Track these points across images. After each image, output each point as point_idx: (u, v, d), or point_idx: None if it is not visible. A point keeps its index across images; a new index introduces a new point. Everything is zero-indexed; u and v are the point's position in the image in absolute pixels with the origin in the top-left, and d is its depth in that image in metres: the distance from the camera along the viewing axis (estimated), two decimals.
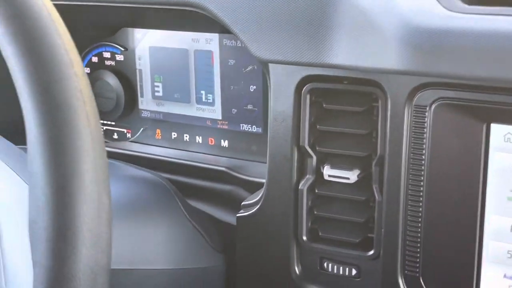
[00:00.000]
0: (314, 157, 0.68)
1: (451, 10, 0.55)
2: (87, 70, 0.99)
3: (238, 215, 0.74)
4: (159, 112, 0.96)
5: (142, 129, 0.98)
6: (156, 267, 0.67)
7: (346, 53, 0.62)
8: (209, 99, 0.91)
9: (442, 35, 0.55)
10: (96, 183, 0.45)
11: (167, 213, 0.70)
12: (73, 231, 0.43)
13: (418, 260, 0.63)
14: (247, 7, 0.68)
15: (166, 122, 0.95)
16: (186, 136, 0.94)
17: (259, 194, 0.73)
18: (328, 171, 0.67)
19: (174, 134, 0.95)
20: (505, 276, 0.61)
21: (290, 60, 0.66)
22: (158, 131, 0.97)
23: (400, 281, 0.64)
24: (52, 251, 0.43)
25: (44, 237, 0.43)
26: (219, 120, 0.91)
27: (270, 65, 0.68)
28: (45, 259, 0.43)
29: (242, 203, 0.75)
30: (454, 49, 0.55)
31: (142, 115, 0.97)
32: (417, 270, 0.63)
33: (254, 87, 0.87)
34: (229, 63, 0.88)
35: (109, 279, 0.47)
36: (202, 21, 0.79)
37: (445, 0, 0.56)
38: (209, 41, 0.89)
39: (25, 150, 0.46)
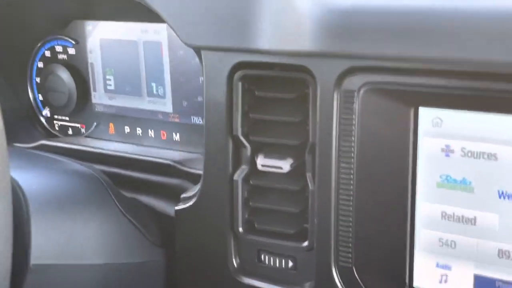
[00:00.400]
0: (248, 147, 0.67)
1: None
2: (40, 64, 0.98)
3: (176, 208, 0.72)
4: (112, 106, 0.94)
5: (95, 124, 0.96)
6: (86, 261, 0.65)
7: (270, 37, 0.60)
8: (160, 92, 0.89)
9: (358, 14, 0.53)
10: None
11: (98, 206, 0.68)
12: None
13: (350, 250, 0.61)
14: None
15: (119, 116, 0.94)
16: (139, 130, 0.93)
17: (198, 186, 0.71)
18: (261, 161, 0.65)
19: (127, 129, 0.94)
20: (437, 264, 0.59)
21: (219, 45, 0.64)
22: (111, 125, 0.95)
23: (334, 272, 0.63)
24: None
25: None
26: (170, 113, 0.89)
27: (203, 52, 0.67)
28: None
29: (182, 195, 0.73)
30: (369, 29, 0.53)
31: (96, 109, 0.96)
32: (350, 260, 0.61)
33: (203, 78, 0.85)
34: (178, 54, 0.86)
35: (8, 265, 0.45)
36: (151, 12, 0.77)
37: None
38: (158, 32, 0.87)
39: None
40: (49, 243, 0.62)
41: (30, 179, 0.65)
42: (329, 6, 0.55)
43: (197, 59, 0.84)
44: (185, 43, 0.66)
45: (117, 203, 0.70)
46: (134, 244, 0.70)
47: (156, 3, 0.67)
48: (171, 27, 0.67)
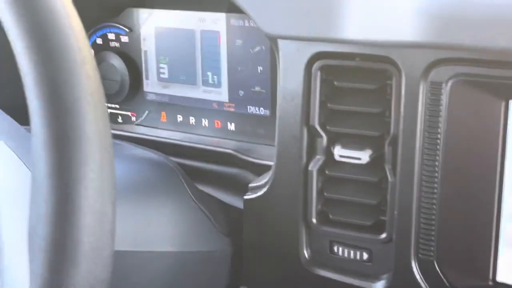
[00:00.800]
0: (325, 137, 0.66)
1: None
2: (92, 51, 0.97)
3: (245, 197, 0.72)
4: (165, 95, 0.93)
5: (147, 112, 0.96)
6: (160, 249, 0.65)
7: (357, 27, 0.60)
8: (216, 81, 0.89)
9: (457, 5, 0.53)
10: (101, 193, 0.42)
11: (172, 195, 0.68)
12: (73, 243, 0.41)
13: (432, 243, 0.61)
14: None
15: (172, 105, 0.93)
16: (192, 119, 0.92)
17: (267, 176, 0.71)
18: (339, 151, 0.65)
19: (180, 117, 0.93)
20: None
21: (299, 35, 0.64)
22: (163, 114, 0.95)
23: (414, 265, 0.62)
24: (50, 263, 0.41)
25: (43, 247, 0.41)
26: (225, 102, 0.89)
27: (279, 41, 0.66)
28: (42, 270, 0.41)
29: (250, 185, 0.73)
30: (469, 19, 0.53)
31: (147, 97, 0.95)
32: (432, 253, 0.61)
33: (262, 68, 0.84)
34: (236, 44, 0.86)
35: None
36: (209, 0, 0.77)
37: None
38: (216, 21, 0.86)
39: (29, 130, 0.44)
40: (126, 230, 0.62)
41: None
42: None
43: (255, 50, 0.84)
44: (265, 32, 0.66)
45: (189, 191, 0.69)
46: (204, 232, 0.70)
47: None
48: (249, 15, 0.66)
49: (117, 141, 0.77)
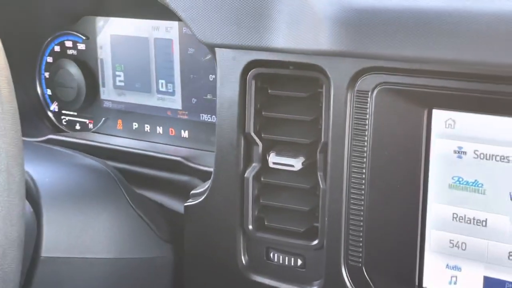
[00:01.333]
0: (260, 145, 0.67)
1: None
2: (50, 59, 0.98)
3: (185, 204, 0.73)
4: (121, 102, 0.94)
5: (103, 119, 0.96)
6: (95, 256, 0.66)
7: (286, 36, 0.60)
8: (170, 89, 0.89)
9: (374, 14, 0.54)
10: (5, 154, 0.43)
11: (109, 201, 0.68)
12: None
13: (361, 250, 0.62)
14: None
15: (128, 112, 0.94)
16: (147, 127, 0.93)
17: (208, 183, 0.72)
18: (273, 159, 0.66)
19: (135, 125, 0.94)
20: (447, 266, 0.59)
21: (234, 43, 0.65)
22: (119, 121, 0.96)
23: (344, 271, 0.63)
24: None
25: None
26: (179, 110, 0.90)
27: (217, 50, 0.67)
28: None
29: (191, 192, 0.74)
30: (385, 29, 0.54)
31: (104, 105, 0.96)
32: (360, 260, 0.62)
33: (214, 76, 0.85)
34: (189, 52, 0.87)
35: (21, 254, 0.46)
36: (163, 9, 0.77)
37: None
38: (169, 29, 0.87)
39: None
40: (60, 236, 0.63)
41: (42, 172, 0.65)
42: (345, 6, 0.56)
43: (207, 57, 0.85)
44: (200, 41, 0.66)
45: (127, 198, 0.70)
46: (143, 239, 0.70)
47: (173, 2, 0.67)
48: (186, 24, 0.67)
49: (56, 147, 0.78)
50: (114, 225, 0.67)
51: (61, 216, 0.63)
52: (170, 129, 0.91)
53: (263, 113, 0.66)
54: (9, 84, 0.45)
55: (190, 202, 0.72)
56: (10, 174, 0.44)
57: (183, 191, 0.83)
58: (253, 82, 0.66)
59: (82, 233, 0.65)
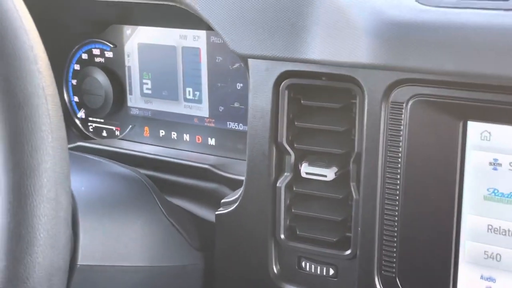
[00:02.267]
0: (292, 154, 0.67)
1: (423, 4, 0.54)
2: (77, 67, 0.99)
3: (217, 212, 0.73)
4: (148, 110, 0.95)
5: (130, 126, 0.97)
6: (130, 264, 0.66)
7: (322, 48, 0.61)
8: (197, 97, 0.90)
9: (413, 29, 0.54)
10: (54, 183, 0.44)
11: (143, 209, 0.69)
12: (28, 231, 0.42)
13: (394, 260, 0.62)
14: (226, 4, 0.67)
15: (154, 120, 0.95)
16: (174, 134, 0.94)
17: (239, 192, 0.72)
18: (305, 169, 0.66)
19: (162, 132, 0.95)
20: (481, 277, 0.59)
21: (268, 55, 0.65)
22: (146, 128, 0.96)
23: (377, 282, 0.63)
24: (6, 251, 0.42)
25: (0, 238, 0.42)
26: (206, 118, 0.90)
27: (250, 60, 0.67)
28: (0, 260, 0.42)
29: (222, 200, 0.74)
30: (425, 43, 0.54)
31: (131, 112, 0.97)
32: (394, 270, 0.62)
33: (241, 84, 0.86)
34: (217, 60, 0.87)
35: (66, 280, 0.46)
36: (190, 18, 0.78)
37: None
38: (197, 38, 0.88)
39: None
40: (96, 244, 0.63)
41: (78, 181, 0.66)
42: (384, 20, 0.56)
43: (234, 66, 0.85)
44: (234, 51, 0.67)
45: (160, 206, 0.70)
46: (175, 247, 0.71)
47: (206, 12, 0.68)
48: (220, 35, 0.68)
49: (91, 156, 0.79)
50: (148, 233, 0.68)
51: (96, 225, 0.64)
52: (197, 136, 0.92)
53: (295, 123, 0.67)
54: (59, 111, 0.46)
55: (222, 211, 0.73)
56: (59, 202, 0.44)
57: (210, 199, 0.84)
58: (286, 92, 0.66)
59: (117, 241, 0.65)
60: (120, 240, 0.66)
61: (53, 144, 0.44)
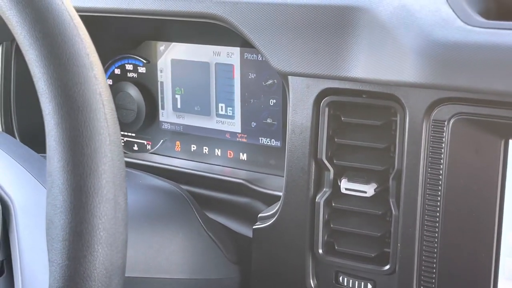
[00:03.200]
0: (332, 170, 0.69)
1: (469, 24, 0.56)
2: (110, 81, 1.01)
3: (254, 226, 0.74)
4: (179, 124, 0.96)
5: (162, 141, 0.99)
6: (171, 276, 0.67)
7: (364, 66, 0.62)
8: (229, 112, 0.91)
9: (460, 49, 0.55)
10: (112, 184, 0.45)
11: (183, 223, 0.70)
12: (89, 231, 0.44)
13: (434, 276, 0.63)
14: (268, 21, 0.69)
15: (186, 135, 0.96)
16: (205, 149, 0.95)
17: (276, 207, 0.73)
18: (345, 185, 0.67)
19: (194, 147, 0.96)
20: None
21: (309, 72, 0.67)
22: (177, 143, 0.98)
23: None
24: (68, 250, 0.44)
25: (61, 236, 0.44)
26: (238, 133, 0.91)
27: (290, 77, 0.69)
28: (61, 258, 0.44)
29: (259, 215, 0.75)
30: (471, 63, 0.55)
31: (163, 127, 0.98)
32: (433, 286, 0.63)
33: (274, 101, 0.87)
34: (250, 77, 0.89)
35: (124, 279, 0.48)
36: (224, 35, 0.80)
37: (464, 14, 0.56)
38: (230, 55, 0.90)
39: (45, 157, 0.47)
40: (138, 256, 0.65)
41: None
42: (430, 39, 0.57)
43: (268, 83, 0.87)
44: (275, 69, 0.68)
45: (200, 220, 0.72)
46: (213, 260, 0.72)
47: (248, 30, 0.70)
48: (261, 53, 0.69)
49: (131, 170, 0.80)
50: (188, 246, 0.69)
51: (139, 237, 0.65)
52: (229, 151, 0.93)
53: (335, 139, 0.68)
54: (114, 115, 0.47)
55: (259, 225, 0.74)
56: (117, 202, 0.46)
57: (244, 213, 0.85)
58: (327, 109, 0.68)
59: (159, 254, 0.66)
60: (162, 252, 0.67)
61: (110, 147, 0.45)
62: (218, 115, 0.93)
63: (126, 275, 0.63)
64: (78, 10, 0.83)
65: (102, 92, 0.46)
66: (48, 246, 0.45)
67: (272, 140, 0.89)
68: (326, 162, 0.68)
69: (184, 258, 0.69)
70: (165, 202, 0.71)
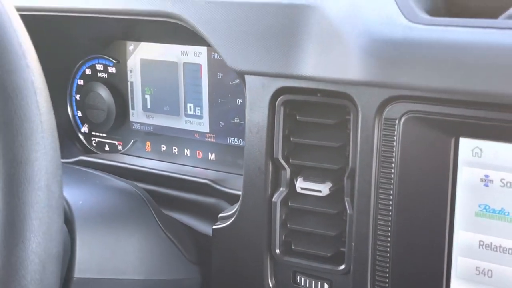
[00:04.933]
0: (288, 170, 0.68)
1: (413, 22, 0.55)
2: (81, 82, 1.00)
3: (214, 226, 0.74)
4: (149, 125, 0.96)
5: (132, 141, 0.98)
6: (126, 277, 0.67)
7: (315, 64, 0.62)
8: (198, 112, 0.91)
9: (404, 46, 0.55)
10: (45, 171, 0.45)
11: (140, 223, 0.70)
12: (20, 219, 0.44)
13: (387, 275, 0.62)
14: (223, 20, 0.68)
15: (156, 135, 0.96)
16: (175, 149, 0.95)
17: (236, 206, 0.73)
18: (300, 184, 0.67)
19: (163, 147, 0.96)
20: None
21: (263, 71, 0.66)
22: (148, 143, 0.97)
23: None
24: (1, 240, 0.44)
25: None
26: (206, 133, 0.91)
27: (246, 76, 0.68)
28: None
29: (219, 215, 0.75)
30: (416, 60, 0.55)
31: (133, 127, 0.98)
32: (387, 285, 0.63)
33: (241, 100, 0.87)
34: (217, 76, 0.88)
35: (60, 268, 0.47)
36: (191, 35, 0.79)
37: (409, 12, 0.56)
38: (198, 54, 0.89)
39: None
40: (93, 257, 0.64)
41: (76, 194, 0.67)
42: (375, 37, 0.57)
43: (235, 82, 0.86)
44: (230, 67, 0.68)
45: (157, 219, 0.71)
46: (172, 261, 0.72)
47: (204, 29, 0.69)
48: (217, 51, 0.69)
49: (87, 169, 0.80)
50: (145, 247, 0.69)
51: (94, 238, 0.65)
52: (198, 151, 0.93)
53: (291, 139, 0.68)
54: (48, 103, 0.47)
55: (218, 225, 0.73)
56: (50, 190, 0.46)
57: (210, 213, 0.85)
58: (282, 108, 0.67)
59: (114, 255, 0.66)
60: (117, 253, 0.67)
61: (43, 135, 0.45)
62: (186, 115, 0.92)
63: (79, 276, 0.62)
64: (41, 10, 0.84)
65: (35, 80, 0.46)
66: None
67: (240, 140, 0.88)
68: (282, 161, 0.68)
69: (141, 259, 0.69)
70: (121, 202, 0.71)
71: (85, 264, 0.63)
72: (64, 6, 0.79)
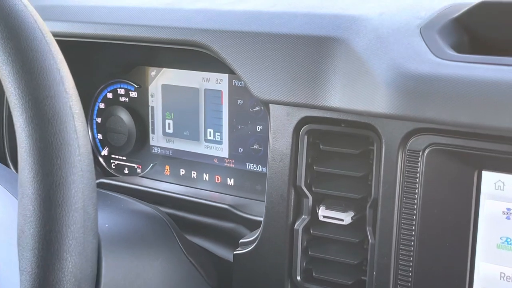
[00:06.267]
0: (310, 198, 0.69)
1: (440, 58, 0.57)
2: (102, 105, 1.02)
3: (235, 252, 0.75)
4: (169, 149, 0.98)
5: (152, 165, 1.00)
6: None
7: (341, 96, 0.63)
8: (217, 138, 0.93)
9: (430, 82, 0.56)
10: (82, 193, 0.47)
11: (163, 247, 0.71)
12: (58, 240, 0.45)
13: None
14: (249, 49, 0.70)
15: (175, 159, 0.97)
16: (194, 173, 0.96)
17: (257, 233, 0.74)
18: (323, 212, 0.68)
19: (183, 171, 0.97)
20: None
21: (288, 101, 0.68)
22: (167, 167, 0.99)
23: None
24: (37, 259, 0.45)
25: (31, 245, 0.45)
26: (226, 158, 0.92)
27: (271, 105, 0.70)
28: (30, 266, 0.45)
29: (240, 240, 0.76)
30: (441, 96, 0.56)
31: (153, 151, 0.99)
32: None
33: (261, 127, 0.88)
34: (238, 103, 0.90)
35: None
36: (213, 61, 0.81)
37: (436, 48, 0.57)
38: (219, 81, 0.91)
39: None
40: (117, 280, 0.65)
41: (102, 217, 0.67)
42: (401, 72, 0.58)
43: (255, 109, 0.88)
44: (255, 96, 0.70)
45: (180, 244, 0.72)
46: (193, 285, 0.72)
47: (230, 58, 0.71)
48: (242, 80, 0.71)
49: (113, 194, 0.81)
50: (167, 271, 0.70)
51: (119, 261, 0.65)
52: (216, 176, 0.94)
53: (314, 167, 0.69)
54: (84, 127, 0.49)
55: (240, 251, 0.74)
56: (86, 212, 0.47)
57: (228, 238, 0.86)
58: (306, 137, 0.69)
59: (138, 278, 0.67)
60: (141, 276, 0.67)
61: (80, 158, 0.47)
62: (206, 140, 0.94)
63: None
64: (68, 35, 0.86)
65: (73, 105, 0.47)
66: (19, 255, 0.46)
67: (259, 165, 0.90)
68: (305, 189, 0.69)
69: (164, 283, 0.69)
70: (145, 226, 0.72)
71: (110, 286, 0.64)
72: (94, 33, 0.81)
